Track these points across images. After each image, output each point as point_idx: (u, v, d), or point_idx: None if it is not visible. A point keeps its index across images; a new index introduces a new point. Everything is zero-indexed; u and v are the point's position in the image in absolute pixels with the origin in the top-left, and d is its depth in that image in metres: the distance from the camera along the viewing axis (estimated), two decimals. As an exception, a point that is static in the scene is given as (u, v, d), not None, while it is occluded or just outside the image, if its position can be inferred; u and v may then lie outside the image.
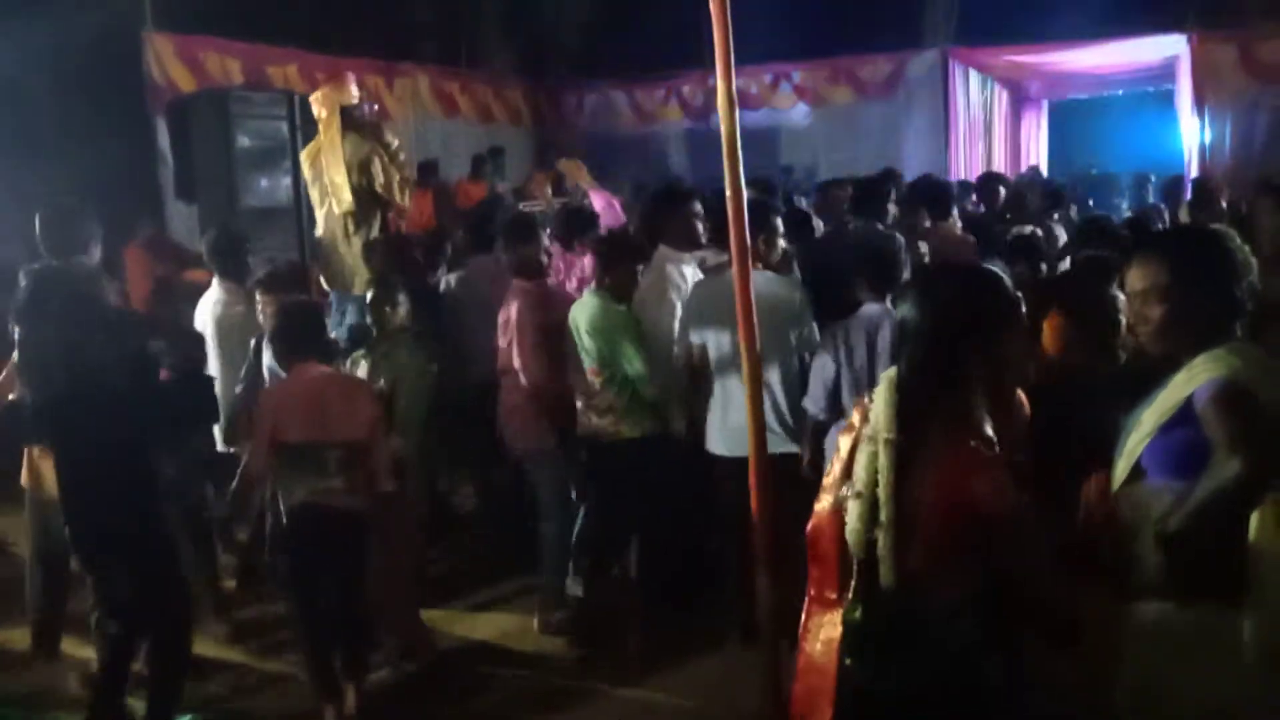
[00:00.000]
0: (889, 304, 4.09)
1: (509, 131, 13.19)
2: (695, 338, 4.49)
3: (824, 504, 2.32)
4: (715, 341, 4.41)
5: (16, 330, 3.83)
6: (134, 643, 3.87)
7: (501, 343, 4.86)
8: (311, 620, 4.02)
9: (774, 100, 13.00)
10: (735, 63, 2.90)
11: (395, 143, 6.68)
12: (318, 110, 6.53)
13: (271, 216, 6.91)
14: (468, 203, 10.02)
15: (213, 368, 4.93)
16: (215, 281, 5.21)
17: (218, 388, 4.73)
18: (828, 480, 2.34)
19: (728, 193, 2.99)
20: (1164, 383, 2.29)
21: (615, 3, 13.14)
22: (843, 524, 2.23)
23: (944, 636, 2.13)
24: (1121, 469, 2.33)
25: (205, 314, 5.12)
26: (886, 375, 2.21)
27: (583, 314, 4.61)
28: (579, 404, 4.68)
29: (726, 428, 4.40)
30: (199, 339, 4.67)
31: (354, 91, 6.57)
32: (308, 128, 8.19)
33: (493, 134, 12.56)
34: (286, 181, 7.67)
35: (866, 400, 2.27)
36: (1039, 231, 6.17)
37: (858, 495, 2.15)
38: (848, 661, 2.21)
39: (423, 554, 5.19)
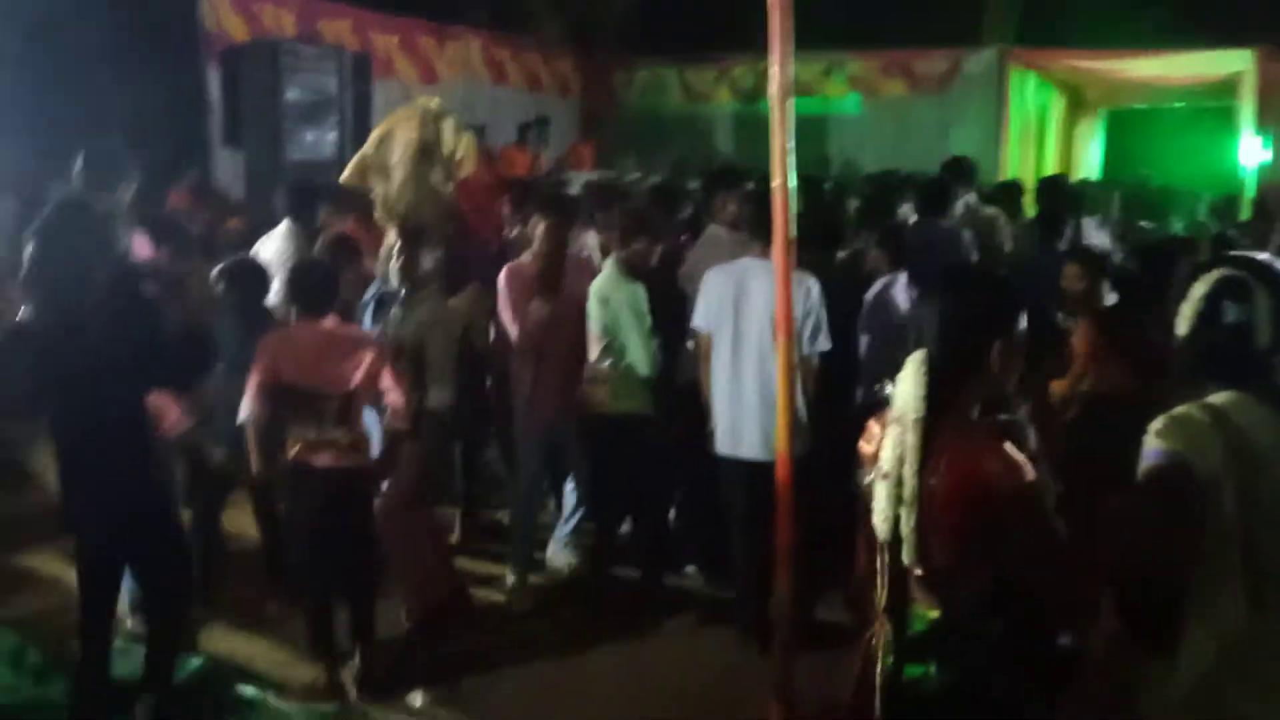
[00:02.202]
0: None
1: (556, 102, 13.14)
2: (703, 326, 4.42)
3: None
4: (723, 333, 4.32)
5: (29, 248, 3.81)
6: (114, 592, 3.82)
7: (521, 321, 4.80)
8: (313, 582, 4.05)
9: (825, 89, 12.85)
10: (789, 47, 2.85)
11: (454, 120, 6.70)
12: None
13: (315, 170, 6.91)
14: (511, 170, 10.00)
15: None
16: (286, 223, 5.45)
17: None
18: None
19: (774, 182, 2.95)
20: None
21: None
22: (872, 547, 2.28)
23: (972, 632, 2.19)
24: None
25: (274, 251, 5.31)
26: (914, 359, 2.23)
27: (598, 283, 4.65)
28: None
29: (733, 427, 4.31)
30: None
31: None
32: (357, 84, 8.23)
33: (540, 103, 12.50)
34: (332, 136, 7.71)
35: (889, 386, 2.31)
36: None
37: (885, 476, 2.19)
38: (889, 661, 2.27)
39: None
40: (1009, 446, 2.17)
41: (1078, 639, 2.61)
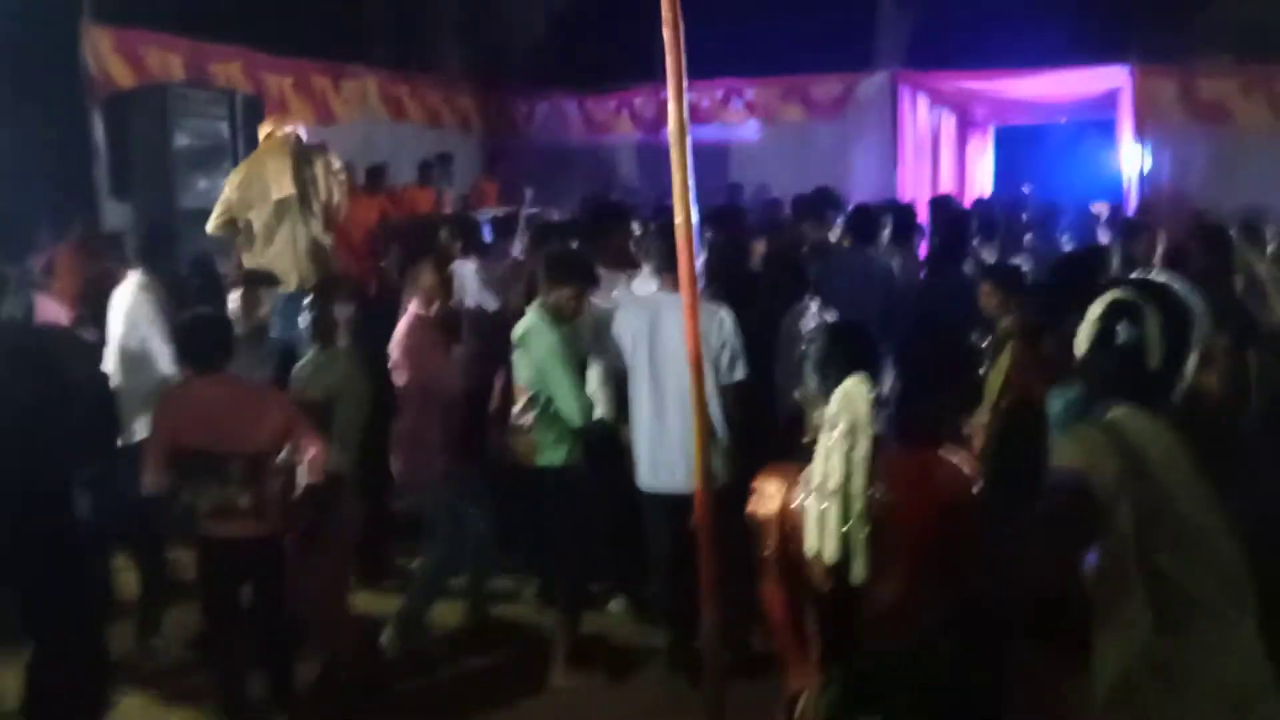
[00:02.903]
0: None
1: (458, 138, 13.04)
2: (616, 365, 4.38)
3: (769, 589, 2.42)
4: (639, 369, 4.31)
5: None
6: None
7: (406, 371, 4.67)
8: (227, 650, 3.91)
9: (725, 116, 13.02)
10: (687, 76, 2.85)
11: (339, 165, 6.57)
12: (265, 129, 6.44)
13: (209, 217, 6.71)
14: (414, 209, 9.89)
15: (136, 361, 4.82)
16: (132, 276, 5.05)
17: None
18: (764, 560, 2.42)
19: (677, 219, 2.94)
20: None
21: (567, 12, 13.09)
22: (791, 605, 2.35)
23: (929, 657, 2.25)
24: None
25: (130, 305, 4.96)
26: (855, 379, 2.29)
27: (520, 329, 4.54)
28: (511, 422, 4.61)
29: (656, 461, 4.30)
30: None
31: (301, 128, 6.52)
32: (249, 128, 8.04)
33: (442, 140, 12.41)
34: (225, 183, 7.49)
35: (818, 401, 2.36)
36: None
37: (836, 492, 2.20)
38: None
39: (372, 568, 5.09)
40: (955, 456, 2.31)
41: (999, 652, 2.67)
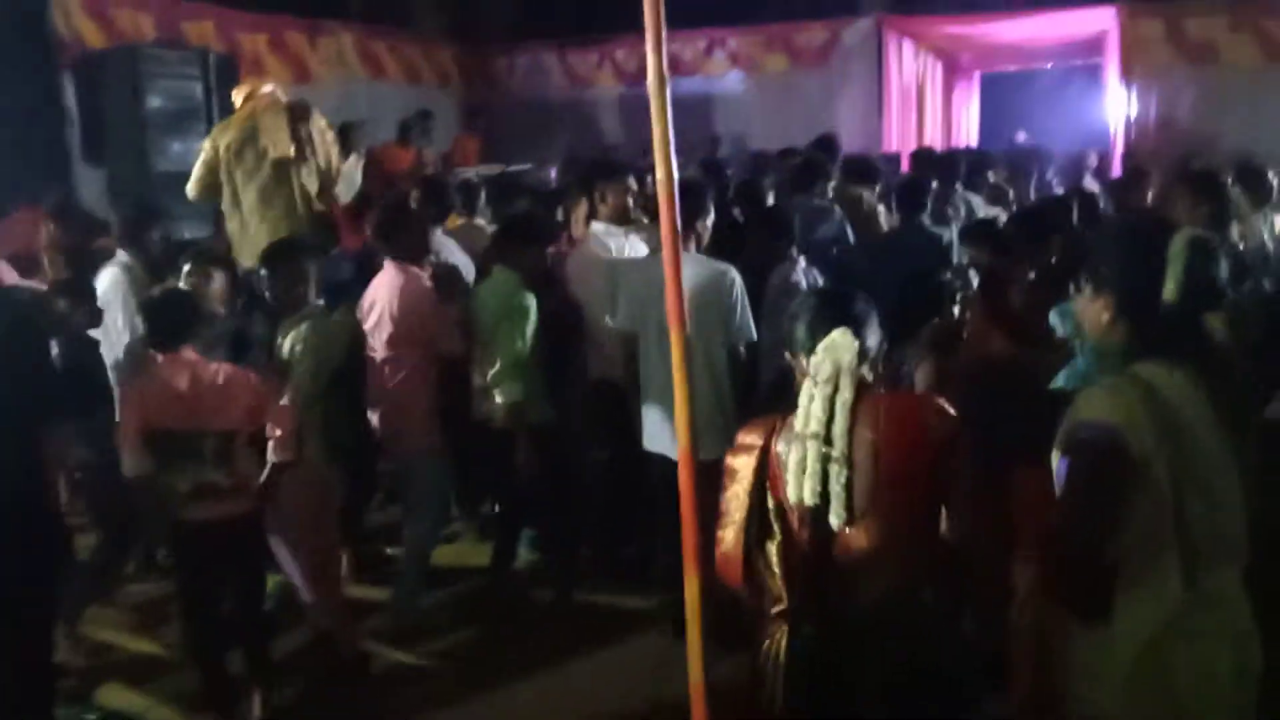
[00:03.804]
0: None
1: (437, 94, 12.84)
2: (627, 325, 4.33)
3: (729, 538, 2.46)
4: (648, 330, 4.22)
5: None
6: None
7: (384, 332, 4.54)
8: (206, 633, 3.87)
9: (707, 67, 12.84)
10: (668, 26, 2.77)
11: (324, 123, 6.38)
12: (241, 92, 6.18)
13: (185, 181, 6.58)
14: (395, 167, 9.74)
15: (113, 342, 4.76)
16: (120, 253, 4.98)
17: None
18: (728, 508, 2.46)
19: (658, 174, 2.87)
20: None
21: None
22: (747, 556, 2.40)
23: (908, 611, 2.27)
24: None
25: (108, 284, 4.87)
26: (840, 330, 2.33)
27: (488, 292, 4.46)
28: (476, 384, 4.55)
29: (667, 425, 4.17)
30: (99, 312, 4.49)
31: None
32: (224, 88, 7.87)
33: (420, 96, 12.20)
34: (200, 145, 7.34)
35: (803, 358, 2.39)
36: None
37: (814, 436, 2.24)
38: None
39: (348, 533, 5.03)
40: (940, 399, 2.36)
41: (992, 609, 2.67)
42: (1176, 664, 2.11)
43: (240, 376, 3.85)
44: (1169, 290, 2.15)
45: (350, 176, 7.52)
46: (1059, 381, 2.58)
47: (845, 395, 2.25)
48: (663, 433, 4.20)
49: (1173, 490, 2.07)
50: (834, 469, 2.23)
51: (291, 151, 5.87)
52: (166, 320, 3.81)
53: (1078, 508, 2.12)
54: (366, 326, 4.54)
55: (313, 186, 6.00)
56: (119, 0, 8.97)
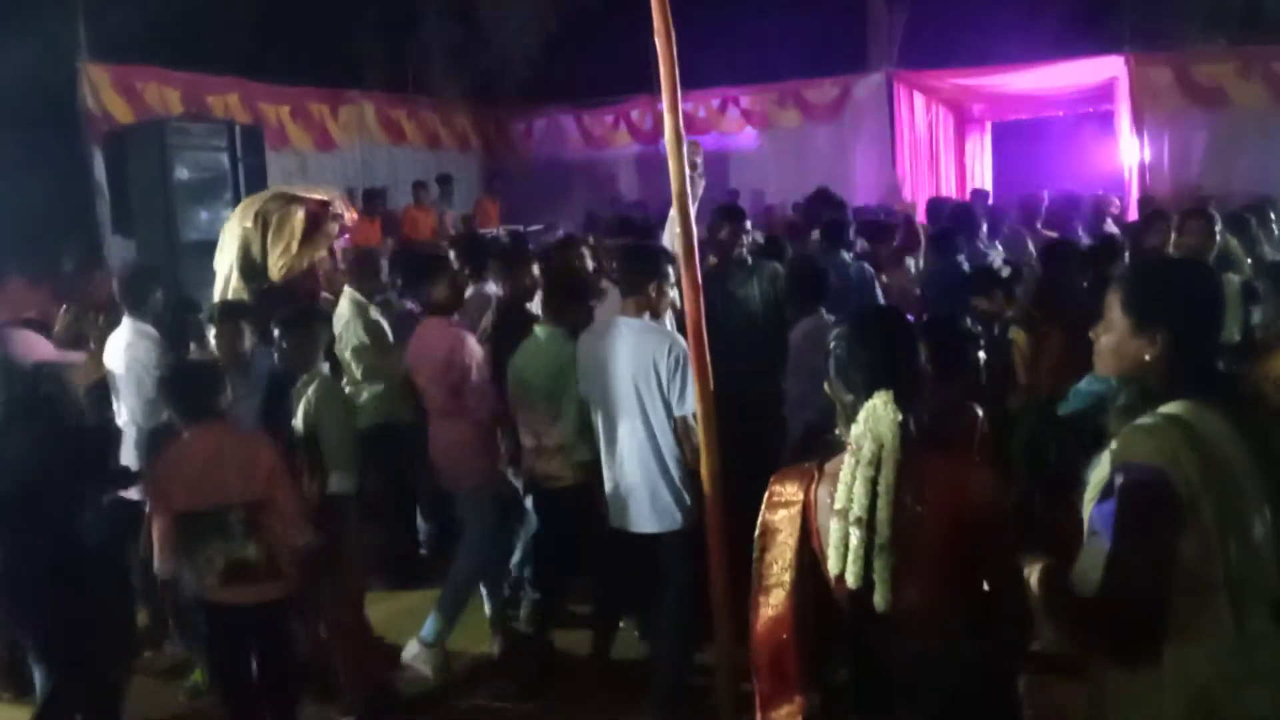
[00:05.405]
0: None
1: (457, 158, 13.10)
2: (583, 393, 4.16)
3: (775, 600, 2.27)
4: (596, 399, 4.06)
5: None
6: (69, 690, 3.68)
7: (429, 382, 4.62)
8: (239, 702, 3.83)
9: (722, 125, 13.05)
10: (682, 86, 2.85)
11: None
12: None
13: (212, 250, 6.73)
14: (414, 230, 9.91)
15: (126, 411, 4.81)
16: (125, 320, 4.95)
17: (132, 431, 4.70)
18: (770, 570, 2.29)
19: (677, 229, 2.94)
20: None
21: (563, 28, 13.13)
22: (801, 618, 2.23)
23: (950, 669, 2.17)
24: (1086, 521, 2.27)
25: (116, 355, 4.89)
26: (880, 396, 2.17)
27: (534, 350, 4.50)
28: (527, 444, 4.54)
29: (616, 499, 4.02)
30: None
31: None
32: (249, 158, 8.07)
33: (441, 161, 12.46)
34: (227, 214, 7.51)
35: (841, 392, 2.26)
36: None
37: (858, 521, 2.12)
38: None
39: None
40: (980, 463, 2.24)
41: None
42: (1228, 712, 2.05)
43: (260, 442, 3.82)
44: (1229, 333, 2.14)
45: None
46: (1067, 407, 2.55)
47: (889, 478, 2.12)
48: (613, 507, 4.06)
49: (1218, 531, 2.02)
50: (879, 557, 2.11)
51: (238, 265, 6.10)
52: (192, 394, 3.72)
53: (1131, 552, 2.04)
54: (419, 381, 4.70)
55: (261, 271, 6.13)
56: (145, 75, 9.26)
